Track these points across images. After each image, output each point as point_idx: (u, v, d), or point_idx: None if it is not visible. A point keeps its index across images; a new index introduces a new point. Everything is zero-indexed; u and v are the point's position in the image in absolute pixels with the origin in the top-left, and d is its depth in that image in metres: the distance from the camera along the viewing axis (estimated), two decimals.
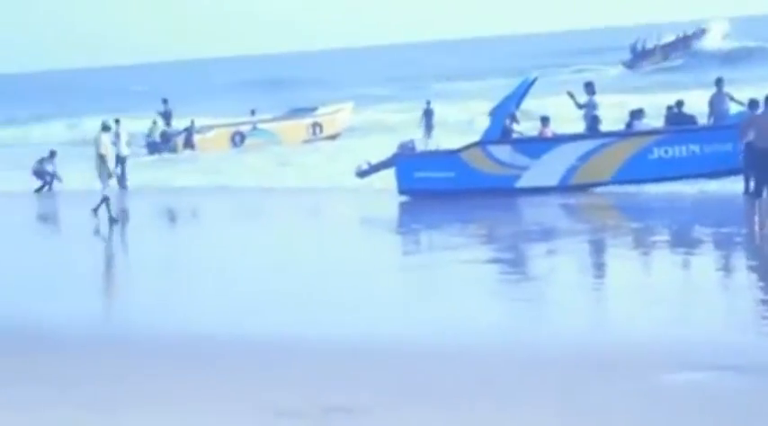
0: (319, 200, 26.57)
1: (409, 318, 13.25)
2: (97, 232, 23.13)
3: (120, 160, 30.81)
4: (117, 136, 31.16)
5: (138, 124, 42.83)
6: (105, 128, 24.29)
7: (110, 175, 23.69)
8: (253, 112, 46.10)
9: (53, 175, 32.15)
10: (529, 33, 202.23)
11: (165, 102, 43.95)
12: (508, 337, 12.08)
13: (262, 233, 22.30)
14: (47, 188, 32.08)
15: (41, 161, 32.56)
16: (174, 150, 41.47)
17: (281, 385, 10.05)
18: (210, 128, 43.21)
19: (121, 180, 30.53)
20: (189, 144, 41.93)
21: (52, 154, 33.01)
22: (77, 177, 31.09)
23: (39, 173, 32.30)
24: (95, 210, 23.79)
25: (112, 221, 23.33)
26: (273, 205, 26.43)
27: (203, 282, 16.52)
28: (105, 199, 23.58)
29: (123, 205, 24.95)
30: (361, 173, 25.98)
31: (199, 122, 42.75)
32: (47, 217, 28.68)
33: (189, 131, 42.29)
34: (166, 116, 43.46)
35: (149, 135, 42.06)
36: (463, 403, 9.28)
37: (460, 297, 14.48)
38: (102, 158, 23.55)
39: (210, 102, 53.62)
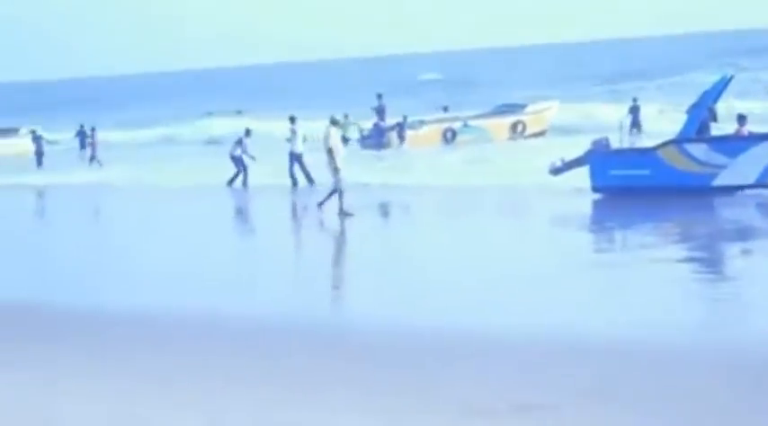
0: (513, 198, 26.56)
1: (601, 317, 13.20)
2: (325, 225, 23.58)
3: (296, 157, 31.50)
4: (293, 133, 31.73)
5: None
6: (334, 122, 24.53)
7: (337, 170, 23.77)
8: (445, 109, 46.30)
9: (244, 162, 32.54)
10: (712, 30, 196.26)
11: (379, 97, 44.23)
12: (701, 337, 11.92)
13: (458, 229, 22.41)
14: (241, 177, 32.52)
15: (239, 142, 33.09)
16: (386, 146, 41.94)
17: (470, 382, 10.13)
18: (422, 123, 43.44)
19: (307, 176, 31.25)
20: (401, 139, 42.33)
21: (247, 132, 33.50)
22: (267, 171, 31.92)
23: (234, 158, 32.80)
24: (321, 204, 24.14)
25: (344, 215, 23.44)
26: (468, 203, 26.53)
27: (407, 278, 16.76)
28: (334, 193, 23.80)
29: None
30: (555, 171, 25.90)
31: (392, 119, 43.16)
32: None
33: (401, 126, 42.67)
34: (380, 111, 43.82)
35: (362, 130, 42.63)
36: (654, 405, 9.22)
37: (654, 296, 14.31)
38: (329, 152, 23.89)
39: (398, 99, 53.73)
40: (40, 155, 46.99)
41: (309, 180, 31.16)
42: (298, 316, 13.93)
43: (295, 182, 31.37)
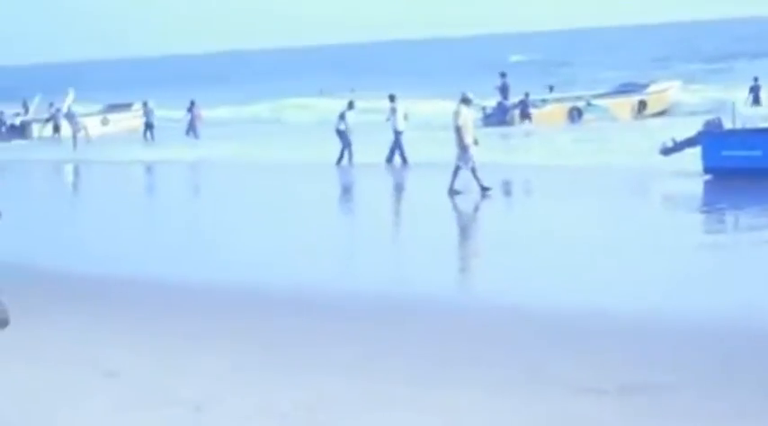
0: (625, 179, 26.24)
1: (711, 298, 13.04)
2: (444, 203, 23.20)
3: (397, 135, 31.59)
4: (393, 111, 31.78)
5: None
6: (465, 100, 24.37)
7: (466, 147, 23.64)
8: (551, 89, 46.16)
9: (348, 137, 32.50)
10: None
11: (502, 75, 44.53)
12: None
13: (566, 210, 22.21)
14: (346, 156, 32.60)
15: (342, 115, 33.17)
16: (510, 123, 42.02)
17: (578, 362, 10.08)
18: (544, 102, 43.49)
19: (401, 155, 31.29)
20: (525, 116, 42.38)
21: (351, 105, 33.38)
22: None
23: (339, 132, 32.78)
24: (451, 187, 23.69)
25: (484, 190, 23.34)
26: (579, 183, 26.26)
27: (519, 257, 16.69)
28: (459, 170, 23.67)
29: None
30: (666, 151, 25.60)
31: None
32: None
33: (524, 104, 42.73)
34: (503, 90, 43.92)
35: (485, 108, 42.69)
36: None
37: (764, 278, 14.17)
38: (458, 130, 23.81)
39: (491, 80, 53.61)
40: (150, 127, 47.67)
41: (404, 159, 31.30)
42: (423, 294, 13.92)
43: (390, 159, 31.50)
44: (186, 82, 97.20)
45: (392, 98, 32.69)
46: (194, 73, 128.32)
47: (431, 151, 31.25)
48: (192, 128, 46.97)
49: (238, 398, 8.97)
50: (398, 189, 28.91)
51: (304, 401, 8.80)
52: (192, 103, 47.95)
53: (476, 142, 23.98)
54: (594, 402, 8.74)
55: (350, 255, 18.18)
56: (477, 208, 22.87)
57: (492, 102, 43.18)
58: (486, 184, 23.49)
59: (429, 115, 42.00)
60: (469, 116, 24.73)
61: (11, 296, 13.14)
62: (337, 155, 32.26)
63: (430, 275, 15.44)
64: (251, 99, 66.65)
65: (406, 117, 32.06)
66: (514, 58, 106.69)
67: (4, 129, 55.37)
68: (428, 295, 13.85)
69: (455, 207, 22.89)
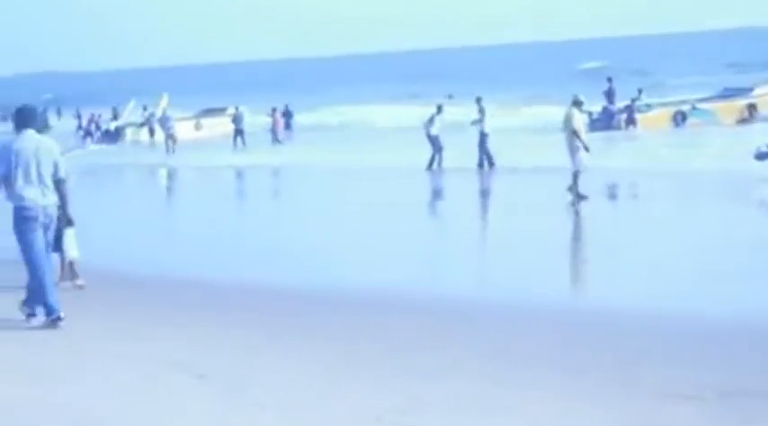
0: (720, 183, 25.79)
1: None
2: (550, 208, 22.95)
3: (483, 137, 31.68)
4: (481, 112, 32.00)
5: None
6: (576, 103, 24.12)
7: (576, 149, 23.43)
8: (640, 92, 45.85)
9: (439, 142, 32.35)
10: None
11: (609, 80, 44.80)
12: None
13: (663, 214, 21.93)
14: (437, 159, 32.42)
15: (431, 119, 33.06)
16: (617, 128, 42.04)
17: (677, 367, 9.90)
18: (648, 107, 43.51)
19: (488, 157, 31.48)
20: (631, 121, 42.30)
21: (439, 109, 33.28)
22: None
23: (429, 136, 32.70)
24: (574, 190, 23.38)
25: (578, 197, 23.06)
26: (678, 187, 25.94)
27: (616, 260, 16.61)
28: (579, 174, 23.46)
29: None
30: (760, 156, 25.19)
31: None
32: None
33: (630, 108, 42.69)
34: (609, 95, 43.93)
35: (591, 113, 42.65)
36: None
37: None
38: (574, 133, 23.57)
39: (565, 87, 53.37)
40: (240, 133, 48.05)
41: (490, 162, 31.30)
42: (516, 297, 13.79)
43: (481, 163, 31.45)
44: (279, 87, 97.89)
45: (479, 100, 32.67)
46: (289, 78, 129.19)
47: (513, 154, 31.66)
48: (273, 134, 47.40)
49: (329, 401, 8.95)
50: (493, 192, 28.72)
51: (396, 405, 8.73)
52: (274, 109, 48.41)
53: (586, 148, 23.58)
54: (693, 408, 8.56)
55: (444, 258, 18.09)
56: (580, 213, 22.57)
57: (597, 107, 42.99)
58: (583, 192, 23.22)
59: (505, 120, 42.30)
60: (582, 119, 24.53)
61: (105, 299, 13.29)
62: (428, 159, 32.23)
63: (523, 278, 15.33)
64: (340, 103, 66.93)
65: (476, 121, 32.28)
66: (587, 65, 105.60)
67: (99, 134, 56.22)
68: (521, 298, 13.73)
69: (554, 210, 22.58)
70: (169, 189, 36.09)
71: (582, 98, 24.51)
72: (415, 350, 10.79)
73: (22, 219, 11.74)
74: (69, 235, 13.86)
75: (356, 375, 9.86)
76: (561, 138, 24.29)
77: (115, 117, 58.93)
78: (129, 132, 54.60)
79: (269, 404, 8.84)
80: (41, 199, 11.74)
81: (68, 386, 9.52)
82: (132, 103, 60.38)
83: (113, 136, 54.92)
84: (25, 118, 12.09)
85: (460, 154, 32.01)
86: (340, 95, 75.87)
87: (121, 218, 24.90)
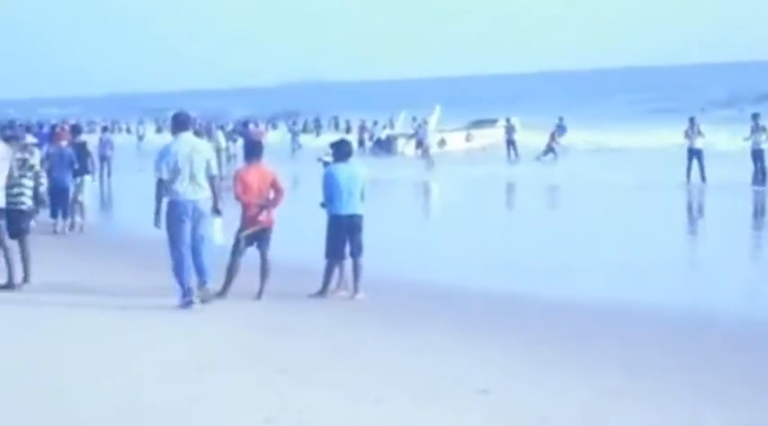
0: None
1: None
2: None
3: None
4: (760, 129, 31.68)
5: None
6: None
7: None
8: None
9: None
10: None
11: None
12: None
13: None
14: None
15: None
16: None
17: None
18: None
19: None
20: None
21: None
22: None
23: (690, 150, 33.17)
24: None
25: None
26: None
27: None
28: None
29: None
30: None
31: None
32: None
33: None
34: None
35: None
36: None
37: None
38: None
39: None
40: (512, 144, 48.02)
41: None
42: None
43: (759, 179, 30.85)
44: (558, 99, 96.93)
45: (755, 116, 32.32)
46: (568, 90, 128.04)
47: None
48: (549, 147, 47.11)
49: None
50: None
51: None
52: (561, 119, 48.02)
53: None
54: None
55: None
56: None
57: None
58: None
59: None
60: None
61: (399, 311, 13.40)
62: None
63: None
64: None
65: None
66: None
67: (371, 144, 57.02)
68: None
69: None
70: (442, 199, 36.07)
71: None
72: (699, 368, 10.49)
73: (174, 212, 13.44)
74: (217, 224, 14.40)
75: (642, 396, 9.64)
76: None
77: (388, 126, 59.84)
78: (400, 143, 55.00)
79: (552, 421, 8.75)
80: (192, 194, 13.43)
81: (365, 399, 9.55)
82: (403, 114, 61.13)
83: (385, 145, 55.53)
84: (181, 122, 13.94)
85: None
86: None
87: (411, 228, 25.07)
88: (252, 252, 14.57)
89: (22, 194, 15.56)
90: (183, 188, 13.43)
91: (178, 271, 13.55)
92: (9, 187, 15.25)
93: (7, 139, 16.15)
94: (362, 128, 59.88)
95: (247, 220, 14.53)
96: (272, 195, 14.59)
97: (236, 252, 14.46)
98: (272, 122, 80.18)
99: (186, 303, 13.56)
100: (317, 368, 10.54)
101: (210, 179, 13.62)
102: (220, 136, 44.84)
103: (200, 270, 13.81)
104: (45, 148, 23.34)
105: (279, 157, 33.86)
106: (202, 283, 13.86)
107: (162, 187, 13.52)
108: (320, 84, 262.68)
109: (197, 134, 17.91)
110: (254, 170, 14.67)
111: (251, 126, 51.05)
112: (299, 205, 17.82)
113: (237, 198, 14.54)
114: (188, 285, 13.55)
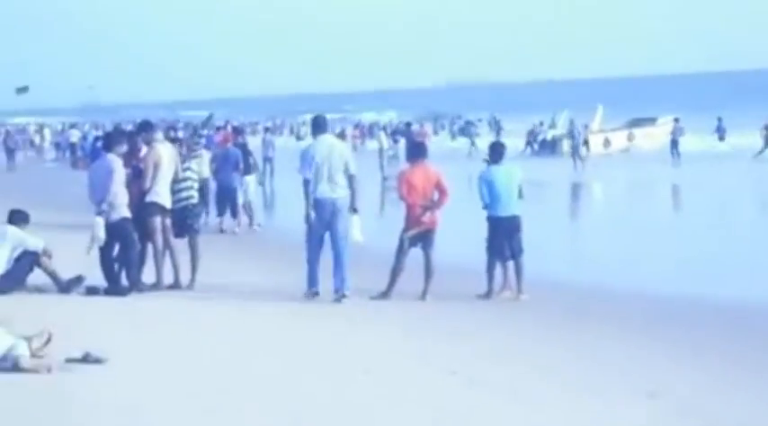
0: None
1: None
2: None
3: None
4: None
5: None
6: None
7: None
8: None
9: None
10: None
11: None
12: None
13: None
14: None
15: None
16: None
17: None
18: None
19: None
20: None
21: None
22: None
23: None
24: None
25: None
26: None
27: None
28: None
29: None
30: None
31: None
32: None
33: None
34: None
35: None
36: None
37: None
38: None
39: None
40: (675, 144, 47.07)
41: None
42: None
43: None
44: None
45: None
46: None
47: None
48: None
49: None
50: None
51: None
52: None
53: None
54: None
55: None
56: None
57: None
58: None
59: None
60: None
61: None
62: None
63: None
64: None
65: None
66: None
67: (536, 145, 56.44)
68: None
69: None
70: (608, 201, 35.42)
71: None
72: None
73: (314, 210, 14.08)
74: (355, 221, 14.54)
75: None
76: None
77: (552, 126, 59.26)
78: (565, 143, 54.09)
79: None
80: (330, 192, 14.03)
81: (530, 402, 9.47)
82: (565, 114, 60.46)
83: (550, 145, 54.98)
84: (319, 125, 14.69)
85: None
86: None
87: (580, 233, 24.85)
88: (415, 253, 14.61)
89: (190, 196, 15.60)
90: (321, 187, 14.10)
91: (310, 264, 14.29)
92: (177, 190, 15.41)
93: (172, 141, 16.36)
94: (531, 132, 58.64)
95: (412, 221, 14.58)
96: (436, 196, 14.60)
97: (401, 252, 14.53)
98: (440, 122, 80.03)
99: (312, 294, 14.29)
100: (483, 370, 10.49)
101: (349, 178, 14.21)
102: (382, 136, 45.08)
103: (339, 278, 14.20)
104: (211, 150, 23.83)
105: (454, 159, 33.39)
106: (341, 296, 14.20)
107: (308, 186, 14.18)
108: (480, 85, 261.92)
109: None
110: (418, 171, 14.70)
111: (414, 126, 51.03)
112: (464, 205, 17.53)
113: (402, 198, 14.61)
114: (316, 277, 14.27)
